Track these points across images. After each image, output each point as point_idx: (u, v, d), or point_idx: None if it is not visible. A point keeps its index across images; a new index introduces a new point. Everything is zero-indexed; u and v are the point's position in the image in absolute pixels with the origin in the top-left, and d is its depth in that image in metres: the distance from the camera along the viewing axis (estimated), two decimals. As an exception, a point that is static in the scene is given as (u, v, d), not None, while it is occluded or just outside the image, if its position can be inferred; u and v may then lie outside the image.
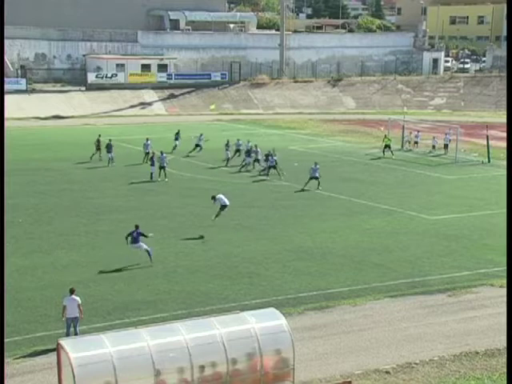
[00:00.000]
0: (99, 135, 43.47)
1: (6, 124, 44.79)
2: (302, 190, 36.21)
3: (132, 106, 68.23)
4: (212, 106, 67.59)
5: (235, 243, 27.17)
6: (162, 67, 74.80)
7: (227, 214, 31.30)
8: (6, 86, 61.22)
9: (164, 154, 38.42)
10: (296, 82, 77.40)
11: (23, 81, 66.43)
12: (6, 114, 48.34)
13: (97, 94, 68.01)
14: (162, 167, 37.83)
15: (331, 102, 74.94)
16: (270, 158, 40.06)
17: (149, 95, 71.03)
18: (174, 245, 26.80)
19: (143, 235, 24.38)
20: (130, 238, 24.31)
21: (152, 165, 37.91)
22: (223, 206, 29.30)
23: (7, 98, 54.73)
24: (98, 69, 71.43)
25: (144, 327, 15.40)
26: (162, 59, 74.61)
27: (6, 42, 66.90)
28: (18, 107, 60.94)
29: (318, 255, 25.81)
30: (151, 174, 37.84)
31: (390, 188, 37.59)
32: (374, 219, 30.95)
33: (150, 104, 69.93)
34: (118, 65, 72.18)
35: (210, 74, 75.71)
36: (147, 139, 43.74)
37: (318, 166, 36.78)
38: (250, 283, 22.77)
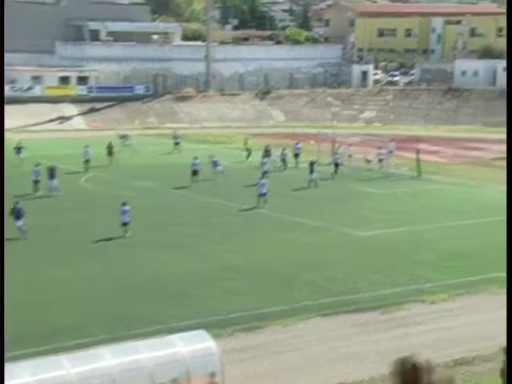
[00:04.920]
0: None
1: None
2: (245, 210, 36.33)
3: (50, 121, 67.12)
4: (136, 122, 67.15)
5: (162, 262, 27.03)
6: (82, 80, 73.92)
7: (153, 232, 31.21)
8: None
9: (39, 167, 38.65)
10: (223, 94, 77.71)
11: None
12: None
13: (12, 108, 66.57)
14: (36, 181, 38.26)
15: (259, 115, 75.55)
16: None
17: (68, 109, 70.03)
18: (95, 265, 26.45)
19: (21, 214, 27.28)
20: (13, 214, 27.65)
21: (51, 178, 38.01)
22: (124, 224, 30.10)
23: None
24: (13, 81, 70.03)
25: (65, 354, 15.13)
26: (81, 71, 73.75)
27: None
28: None
29: (248, 274, 25.92)
30: (51, 187, 37.92)
31: (321, 203, 38.00)
32: (305, 236, 31.26)
33: (69, 118, 68.92)
34: (33, 77, 70.96)
35: (132, 87, 75.23)
36: (86, 147, 45.85)
37: (264, 181, 37.02)
38: (178, 304, 22.66)
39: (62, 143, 56.68)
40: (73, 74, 72.99)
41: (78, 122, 68.48)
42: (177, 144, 54.56)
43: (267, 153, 48.54)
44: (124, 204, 30.58)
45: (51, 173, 38.42)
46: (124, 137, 54.59)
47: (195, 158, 42.59)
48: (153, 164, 48.15)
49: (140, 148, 54.59)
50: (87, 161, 45.69)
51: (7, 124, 63.51)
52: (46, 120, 66.84)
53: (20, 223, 29.21)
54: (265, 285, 24.87)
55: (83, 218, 33.79)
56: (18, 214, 29.42)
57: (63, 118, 68.53)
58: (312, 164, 42.14)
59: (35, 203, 35.96)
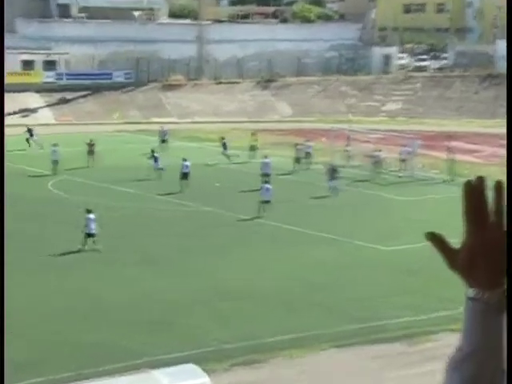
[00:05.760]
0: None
1: None
2: (244, 220, 36.44)
3: (11, 113, 67.15)
4: (115, 115, 67.23)
5: (142, 281, 27.12)
6: (50, 64, 74.00)
7: (132, 245, 31.30)
8: None
9: None
10: (219, 83, 77.79)
11: None
12: None
13: (-34, 99, 66.72)
14: None
15: (261, 107, 75.58)
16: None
17: (33, 99, 70.13)
18: (60, 284, 26.60)
19: None
20: None
21: None
22: (88, 235, 30.52)
23: None
24: (-33, 66, 70.18)
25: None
26: (49, 54, 73.81)
27: None
28: None
29: (246, 296, 25.95)
30: None
31: (334, 212, 38.13)
32: (314, 250, 31.31)
33: (34, 111, 69.03)
34: (-9, 61, 71.07)
35: (110, 74, 75.30)
36: (54, 145, 46.55)
37: (268, 186, 37.15)
38: (163, 332, 22.68)
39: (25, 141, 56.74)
40: (38, 58, 73.03)
41: (45, 116, 68.56)
42: (163, 142, 54.74)
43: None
44: (89, 212, 30.99)
45: None
46: (30, 131, 54.95)
47: (184, 160, 42.78)
48: (134, 166, 48.14)
49: (119, 147, 54.71)
50: (55, 162, 45.89)
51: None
52: (5, 113, 66.86)
53: None
54: (267, 309, 24.89)
55: (45, 228, 33.95)
56: None
57: (27, 111, 68.61)
58: (334, 169, 42.55)
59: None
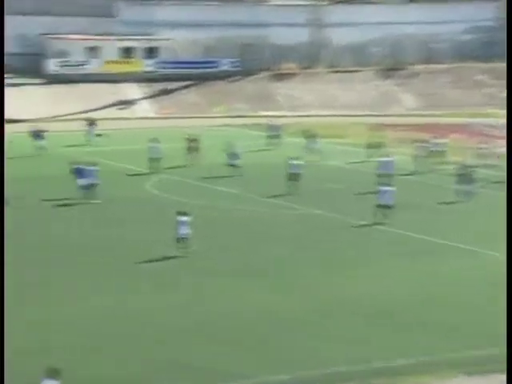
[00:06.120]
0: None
1: None
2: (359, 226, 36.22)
3: (108, 106, 68.55)
4: (219, 108, 67.71)
5: (242, 294, 27.13)
6: (151, 52, 75.25)
7: (230, 253, 31.53)
8: None
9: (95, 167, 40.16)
10: (335, 72, 77.59)
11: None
12: None
13: (59, 89, 68.38)
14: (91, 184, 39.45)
15: (384, 99, 75.13)
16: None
17: (132, 90, 71.40)
18: (154, 297, 26.69)
19: None
20: None
21: (80, 175, 39.33)
22: (182, 239, 30.57)
23: None
24: (62, 54, 71.87)
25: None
26: (150, 41, 75.00)
27: None
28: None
29: (359, 312, 25.66)
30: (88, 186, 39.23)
31: (467, 219, 37.76)
32: (443, 262, 30.95)
33: (132, 103, 70.24)
34: (89, 48, 72.66)
35: (216, 62, 76.08)
36: (153, 141, 47.32)
37: (388, 188, 36.61)
38: (267, 351, 22.53)
39: (123, 135, 57.74)
40: (139, 45, 74.31)
41: (144, 108, 69.62)
42: (273, 137, 54.90)
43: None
44: (183, 214, 31.00)
45: (79, 170, 39.57)
46: (92, 124, 55.95)
47: (293, 159, 42.56)
48: (240, 164, 48.40)
49: (223, 143, 55.02)
50: (155, 159, 46.47)
51: (54, 110, 65.45)
52: (102, 105, 68.27)
53: None
54: (387, 328, 24.51)
55: (141, 231, 34.56)
56: None
57: (125, 103, 69.84)
58: (466, 170, 41.97)
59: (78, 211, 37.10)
